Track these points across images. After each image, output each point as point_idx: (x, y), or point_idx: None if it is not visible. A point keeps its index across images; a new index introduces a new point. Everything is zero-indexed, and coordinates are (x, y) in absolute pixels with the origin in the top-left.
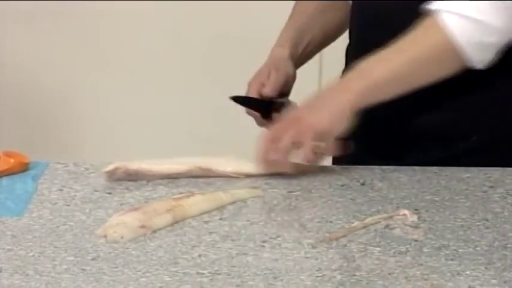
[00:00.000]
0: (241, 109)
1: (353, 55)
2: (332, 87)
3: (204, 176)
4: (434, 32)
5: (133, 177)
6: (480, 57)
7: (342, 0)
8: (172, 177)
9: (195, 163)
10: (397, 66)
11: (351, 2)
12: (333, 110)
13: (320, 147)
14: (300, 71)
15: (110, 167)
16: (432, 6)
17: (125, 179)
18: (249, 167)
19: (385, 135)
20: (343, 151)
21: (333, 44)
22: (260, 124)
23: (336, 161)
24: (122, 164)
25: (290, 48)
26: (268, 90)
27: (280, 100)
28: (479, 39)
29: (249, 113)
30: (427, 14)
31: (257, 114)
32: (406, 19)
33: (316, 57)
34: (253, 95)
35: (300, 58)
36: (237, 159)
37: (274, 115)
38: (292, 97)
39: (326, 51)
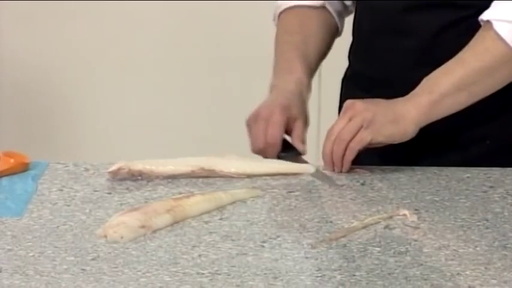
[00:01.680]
0: (240, 109)
1: (357, 57)
2: (399, 100)
3: (207, 177)
4: (491, 42)
5: (137, 177)
6: None
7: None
8: (175, 178)
9: (198, 164)
10: (460, 79)
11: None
12: (398, 121)
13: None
14: None
15: (114, 167)
16: (484, 16)
17: (128, 179)
18: (252, 167)
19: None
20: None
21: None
22: (255, 150)
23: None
24: (125, 164)
25: (309, 77)
26: (300, 145)
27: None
28: None
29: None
30: (482, 24)
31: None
32: (414, 23)
33: None
34: (277, 130)
35: (312, 76)
36: (239, 159)
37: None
38: None
39: None
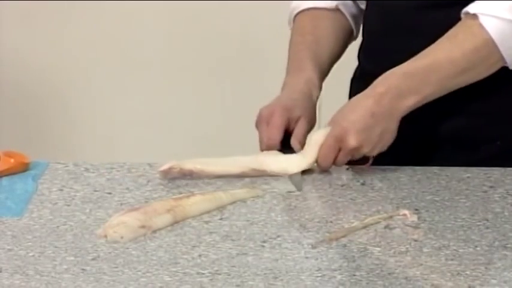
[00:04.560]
0: (241, 109)
1: (367, 56)
2: (382, 104)
3: (257, 176)
4: (474, 35)
5: (187, 176)
6: None
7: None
8: (224, 178)
9: (248, 164)
10: (448, 79)
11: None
12: (386, 138)
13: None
14: None
15: (165, 167)
16: (471, 9)
17: (179, 178)
18: (297, 164)
19: (408, 141)
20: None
21: None
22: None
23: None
24: (177, 163)
25: (320, 76)
26: (297, 145)
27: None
28: None
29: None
30: (466, 16)
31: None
32: (425, 22)
33: None
34: (275, 132)
35: (324, 77)
36: (283, 156)
37: None
38: None
39: None
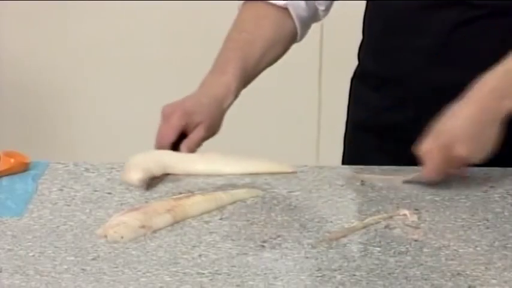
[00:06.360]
0: (240, 109)
1: (368, 55)
2: (486, 109)
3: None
4: None
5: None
6: None
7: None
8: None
9: (250, 167)
10: None
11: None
12: (488, 144)
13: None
14: (299, 71)
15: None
16: None
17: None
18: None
19: (415, 140)
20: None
21: (332, 44)
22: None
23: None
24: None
25: (240, 82)
26: (185, 151)
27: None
28: None
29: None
30: None
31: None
32: (427, 22)
33: (316, 56)
34: (168, 134)
35: (249, 82)
36: (224, 157)
37: None
38: (291, 96)
39: (326, 50)
